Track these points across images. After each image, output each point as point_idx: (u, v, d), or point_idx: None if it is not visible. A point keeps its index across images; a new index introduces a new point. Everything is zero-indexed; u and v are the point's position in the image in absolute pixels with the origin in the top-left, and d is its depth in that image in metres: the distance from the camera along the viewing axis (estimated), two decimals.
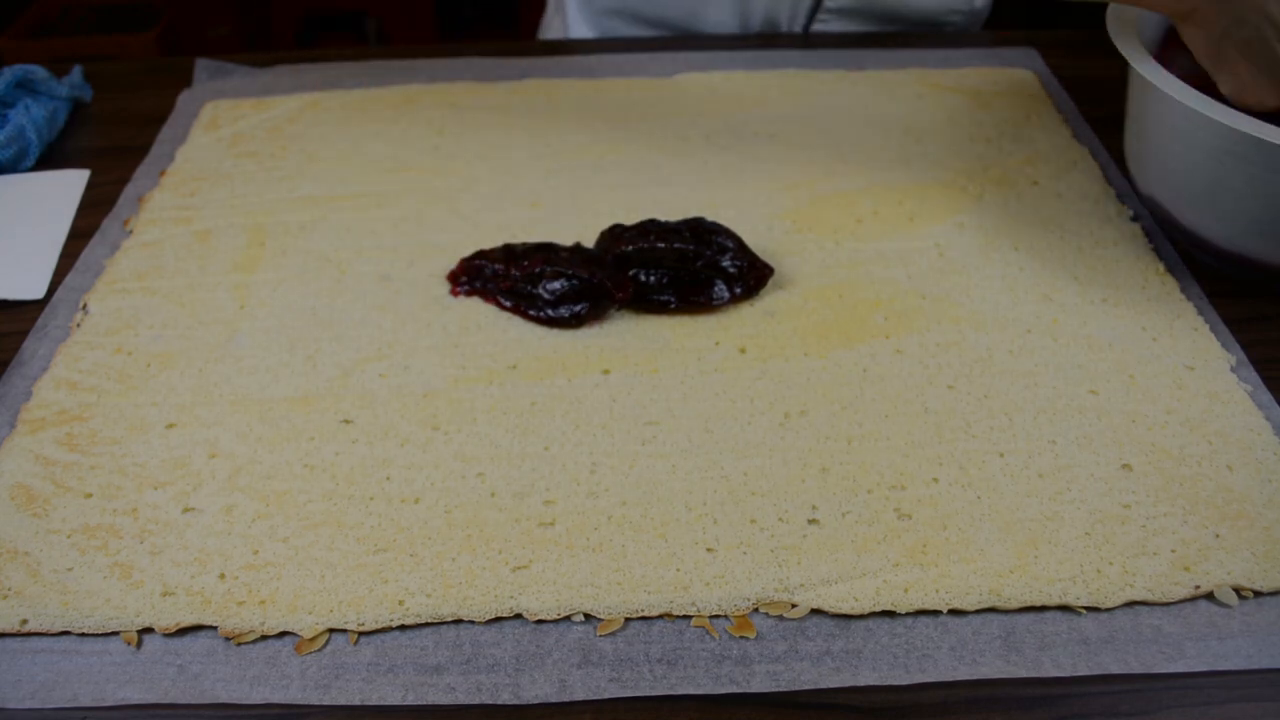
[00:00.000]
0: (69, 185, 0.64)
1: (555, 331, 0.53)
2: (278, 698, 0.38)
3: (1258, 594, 0.41)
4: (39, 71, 0.71)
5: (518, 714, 0.38)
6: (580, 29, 0.89)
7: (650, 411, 0.49)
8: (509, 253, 0.56)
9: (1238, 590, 0.41)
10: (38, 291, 0.56)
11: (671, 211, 0.60)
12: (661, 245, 0.54)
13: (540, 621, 0.40)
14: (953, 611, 0.40)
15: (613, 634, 0.40)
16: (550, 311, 0.53)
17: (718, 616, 0.40)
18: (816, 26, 0.85)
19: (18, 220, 0.61)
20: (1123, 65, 0.54)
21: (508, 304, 0.54)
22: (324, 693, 0.38)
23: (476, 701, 0.38)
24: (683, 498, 0.44)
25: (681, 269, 0.54)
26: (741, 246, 0.55)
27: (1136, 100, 0.57)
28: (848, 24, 0.84)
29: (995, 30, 0.81)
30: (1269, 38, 0.50)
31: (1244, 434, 0.47)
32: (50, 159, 0.68)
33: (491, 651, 0.39)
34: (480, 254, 0.57)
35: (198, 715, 0.38)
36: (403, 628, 0.40)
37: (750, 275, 0.54)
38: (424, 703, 0.38)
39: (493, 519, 0.44)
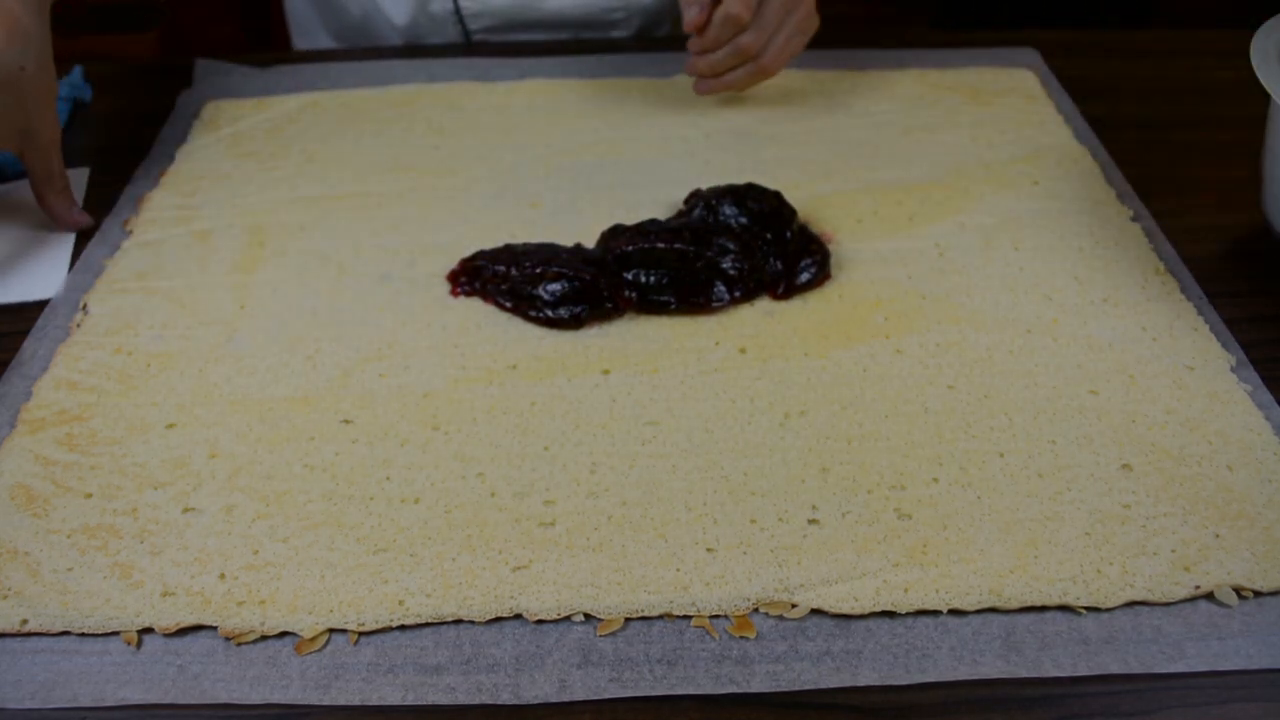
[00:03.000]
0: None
1: (555, 332, 0.53)
2: (278, 698, 0.38)
3: (1258, 594, 0.41)
4: None
5: (518, 714, 0.38)
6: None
7: (650, 411, 0.49)
8: (509, 253, 0.56)
9: (1238, 590, 0.41)
10: (52, 290, 0.56)
11: (671, 212, 0.60)
12: (661, 245, 0.54)
13: (540, 621, 0.40)
14: (953, 612, 0.40)
15: (613, 634, 0.40)
16: (550, 312, 0.53)
17: (718, 616, 0.40)
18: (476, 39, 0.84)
19: (25, 222, 0.61)
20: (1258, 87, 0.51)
21: (508, 304, 0.54)
22: (324, 693, 0.38)
23: (476, 701, 0.38)
24: (683, 498, 0.44)
25: (682, 269, 0.54)
26: (746, 248, 0.55)
27: None
28: (505, 37, 0.83)
29: (995, 30, 0.81)
30: None
31: (1244, 434, 0.47)
32: None
33: (491, 651, 0.39)
34: (480, 254, 0.57)
35: (198, 715, 0.38)
36: (403, 628, 0.40)
37: (750, 278, 0.54)
38: (424, 703, 0.38)
39: (493, 519, 0.44)
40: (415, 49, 0.82)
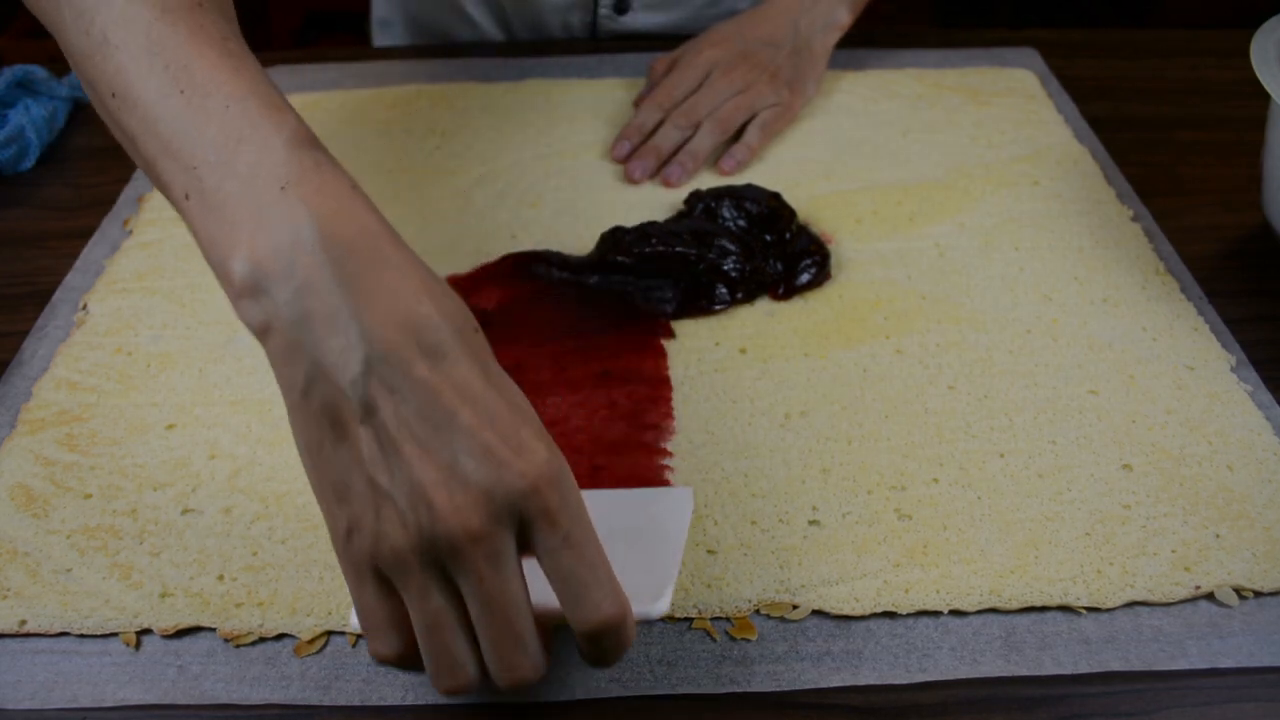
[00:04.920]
0: (679, 503, 0.45)
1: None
2: (278, 698, 0.38)
3: (1258, 594, 0.41)
4: (39, 71, 0.71)
5: (518, 714, 0.38)
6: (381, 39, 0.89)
7: (650, 412, 0.49)
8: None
9: (1238, 590, 0.41)
10: (662, 608, 0.36)
11: (671, 212, 0.60)
12: (662, 249, 0.54)
13: None
14: (953, 612, 0.40)
15: None
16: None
17: (718, 618, 0.40)
18: (622, 21, 0.82)
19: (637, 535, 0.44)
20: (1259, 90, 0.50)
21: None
22: (324, 693, 0.38)
23: (476, 700, 0.38)
24: None
25: (683, 273, 0.54)
26: (747, 249, 0.55)
27: None
28: (658, 17, 0.82)
29: (995, 30, 0.81)
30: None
31: (1244, 434, 0.47)
32: (50, 159, 0.68)
33: None
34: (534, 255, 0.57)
35: (198, 715, 0.38)
36: None
37: (751, 280, 0.54)
38: (424, 702, 0.38)
39: None
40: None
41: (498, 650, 0.32)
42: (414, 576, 0.31)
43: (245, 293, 0.32)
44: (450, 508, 0.30)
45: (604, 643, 0.32)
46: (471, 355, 0.32)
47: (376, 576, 0.32)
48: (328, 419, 0.31)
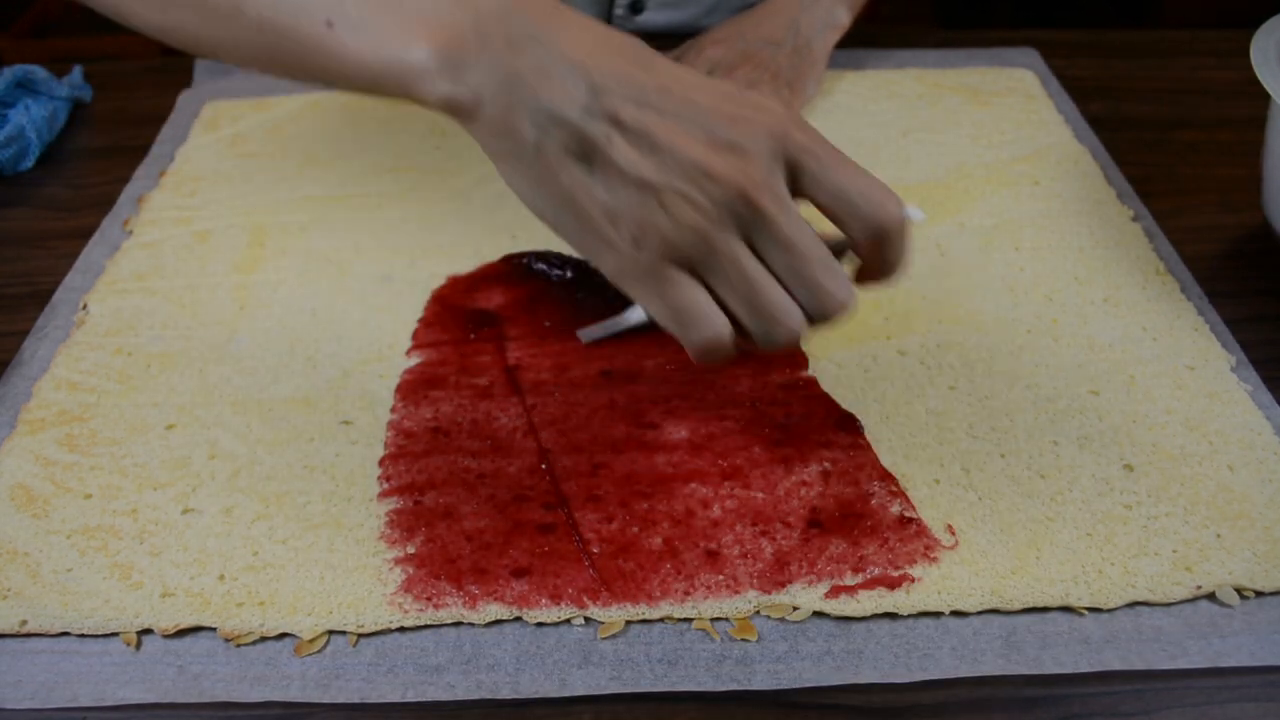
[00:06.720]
0: None
1: (555, 332, 0.53)
2: (278, 697, 0.38)
3: (1259, 594, 0.41)
4: (39, 71, 0.71)
5: (518, 713, 0.38)
6: None
7: (651, 412, 0.49)
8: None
9: (1239, 590, 0.41)
10: (919, 213, 0.41)
11: None
12: None
13: (540, 625, 0.40)
14: (954, 613, 0.40)
15: (613, 636, 0.40)
16: None
17: (719, 619, 0.40)
18: (637, 20, 0.81)
19: None
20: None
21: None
22: (324, 691, 0.38)
23: (476, 697, 0.38)
24: (684, 500, 0.44)
25: None
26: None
27: None
28: (672, 14, 0.82)
29: (995, 30, 0.81)
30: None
31: (1244, 434, 0.47)
32: (50, 159, 0.68)
33: (492, 652, 0.39)
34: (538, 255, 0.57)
35: (198, 715, 0.38)
36: (402, 629, 0.40)
37: None
38: (424, 699, 0.38)
39: (493, 521, 0.44)
40: None
41: (814, 282, 0.34)
42: (720, 246, 0.33)
43: (440, 77, 0.33)
44: (729, 169, 0.32)
45: (892, 242, 0.34)
46: (670, 59, 0.34)
47: (679, 270, 0.34)
48: (573, 155, 0.33)
